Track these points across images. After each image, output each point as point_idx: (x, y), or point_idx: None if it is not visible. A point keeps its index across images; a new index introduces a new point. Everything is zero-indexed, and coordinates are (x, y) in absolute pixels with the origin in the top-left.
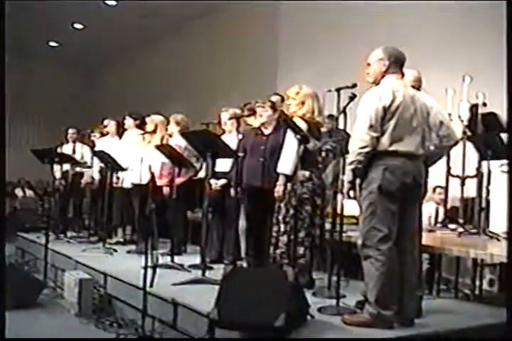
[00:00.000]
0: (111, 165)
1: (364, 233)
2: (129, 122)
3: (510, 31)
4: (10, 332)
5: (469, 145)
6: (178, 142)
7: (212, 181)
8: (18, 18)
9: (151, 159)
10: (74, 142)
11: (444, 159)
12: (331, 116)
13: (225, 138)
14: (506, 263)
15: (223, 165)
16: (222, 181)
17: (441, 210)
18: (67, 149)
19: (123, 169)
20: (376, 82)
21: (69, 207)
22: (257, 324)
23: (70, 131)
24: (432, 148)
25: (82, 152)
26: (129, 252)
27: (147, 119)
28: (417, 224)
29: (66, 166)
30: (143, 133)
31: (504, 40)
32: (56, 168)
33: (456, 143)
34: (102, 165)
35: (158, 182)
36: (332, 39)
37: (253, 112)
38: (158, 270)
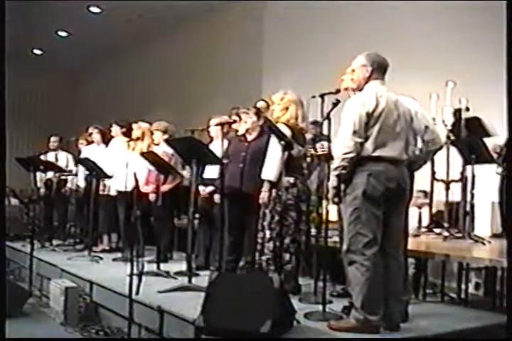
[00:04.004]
0: (96, 172)
1: (349, 238)
2: (115, 130)
3: (510, 32)
4: None
5: (453, 149)
6: (165, 149)
7: (201, 188)
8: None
9: (136, 166)
10: (56, 150)
11: (428, 164)
12: (315, 122)
13: (212, 145)
14: (507, 265)
15: (211, 172)
16: (210, 188)
17: (424, 214)
18: (50, 157)
19: (108, 176)
20: (360, 88)
21: (54, 215)
22: (243, 330)
23: (52, 138)
24: (417, 152)
25: (67, 159)
26: (114, 260)
27: (134, 126)
28: (402, 228)
29: (49, 174)
30: (128, 140)
31: (503, 42)
32: (39, 176)
33: (441, 147)
34: (87, 172)
35: (144, 189)
36: (317, 43)
37: (239, 118)
38: (144, 277)
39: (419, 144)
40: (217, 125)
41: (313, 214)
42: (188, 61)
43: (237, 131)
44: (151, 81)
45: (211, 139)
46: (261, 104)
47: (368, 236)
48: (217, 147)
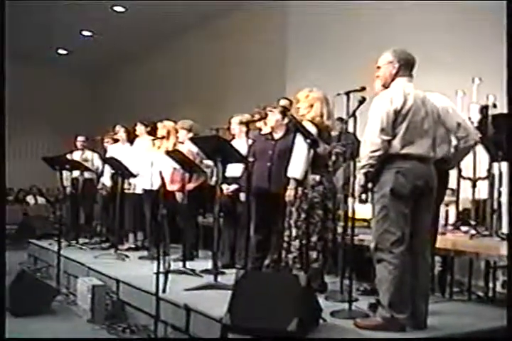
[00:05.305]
0: (122, 171)
1: (377, 236)
2: (140, 129)
3: (510, 32)
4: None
5: (480, 147)
6: (190, 148)
7: (224, 186)
8: (26, 26)
9: (162, 164)
10: (83, 149)
11: None
12: (340, 119)
13: (234, 143)
14: (507, 264)
15: (234, 170)
16: (234, 186)
17: (450, 212)
18: (76, 156)
19: (134, 175)
20: (386, 85)
21: (80, 214)
22: (269, 328)
23: (79, 138)
24: (452, 150)
25: (92, 159)
26: (141, 258)
27: (159, 125)
28: (430, 226)
29: (75, 173)
30: (153, 139)
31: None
32: (65, 175)
33: (476, 143)
34: (113, 171)
35: (170, 188)
36: (343, 40)
37: (264, 116)
38: (170, 275)
39: (454, 142)
40: (241, 123)
41: (340, 212)
42: (211, 59)
43: (259, 129)
44: (175, 79)
45: (233, 137)
46: (284, 102)
47: (395, 234)
48: (240, 145)
